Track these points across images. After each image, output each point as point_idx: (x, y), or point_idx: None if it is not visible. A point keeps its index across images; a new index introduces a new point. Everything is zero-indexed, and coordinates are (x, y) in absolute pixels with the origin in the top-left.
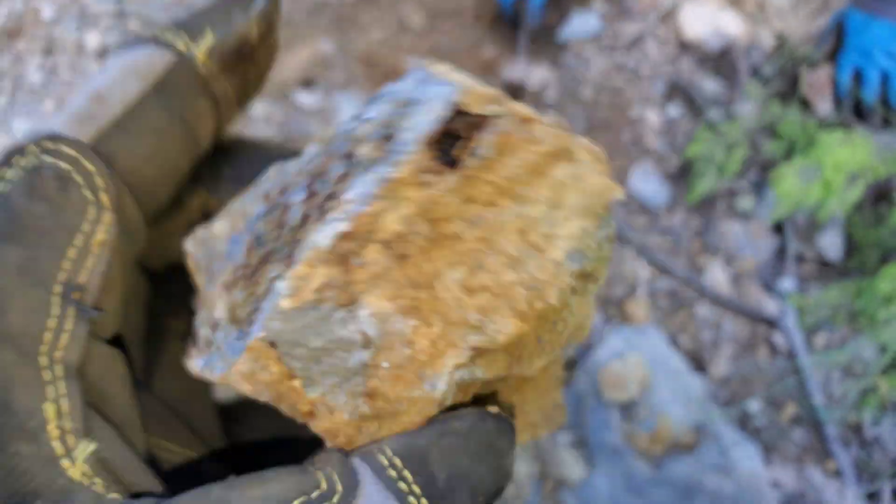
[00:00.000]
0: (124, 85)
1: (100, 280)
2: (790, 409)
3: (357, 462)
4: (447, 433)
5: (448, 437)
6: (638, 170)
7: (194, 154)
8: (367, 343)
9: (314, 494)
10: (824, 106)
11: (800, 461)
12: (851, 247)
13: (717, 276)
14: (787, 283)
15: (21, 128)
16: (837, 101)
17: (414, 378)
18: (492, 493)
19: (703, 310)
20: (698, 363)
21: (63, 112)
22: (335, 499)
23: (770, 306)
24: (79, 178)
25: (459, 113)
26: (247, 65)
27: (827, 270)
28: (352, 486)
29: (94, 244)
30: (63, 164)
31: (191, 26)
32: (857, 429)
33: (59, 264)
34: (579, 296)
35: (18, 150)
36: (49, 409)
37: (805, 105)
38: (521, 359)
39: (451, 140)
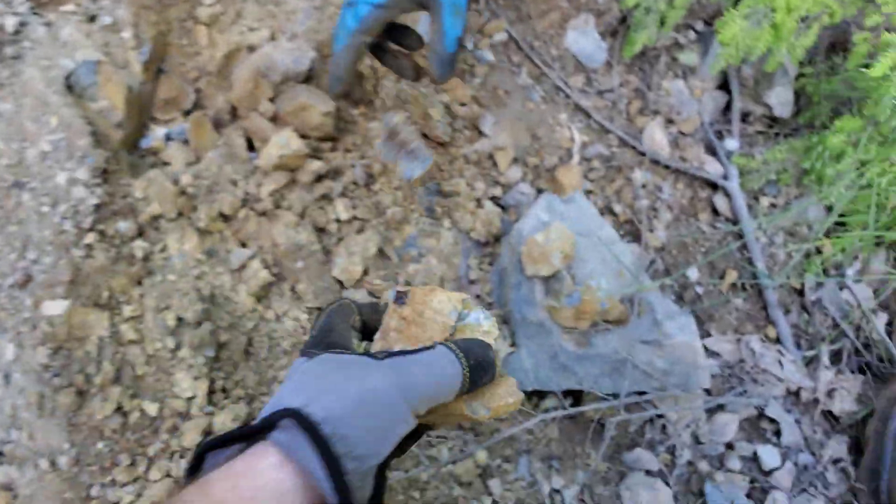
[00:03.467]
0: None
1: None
2: (731, 277)
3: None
4: (471, 342)
5: (472, 342)
6: (574, 25)
7: None
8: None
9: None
10: None
11: (739, 330)
12: (802, 102)
13: (656, 137)
14: (732, 144)
15: None
16: None
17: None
18: (491, 363)
19: (641, 175)
20: (634, 232)
21: None
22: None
23: (713, 168)
24: (352, 306)
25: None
26: None
27: (776, 129)
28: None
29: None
30: (349, 302)
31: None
32: (799, 293)
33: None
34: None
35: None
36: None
37: None
38: None
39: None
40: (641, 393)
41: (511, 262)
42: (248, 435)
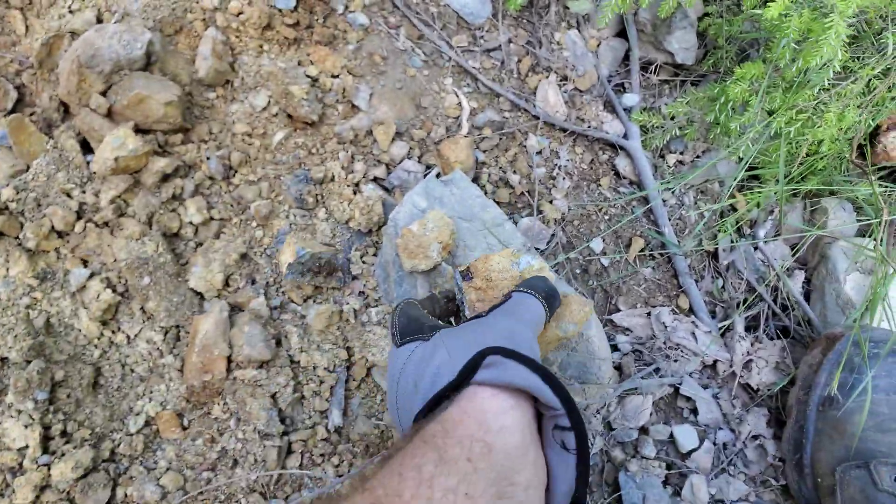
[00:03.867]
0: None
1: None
2: (638, 245)
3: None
4: (532, 280)
5: (534, 280)
6: None
7: None
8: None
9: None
10: None
11: (649, 302)
12: (708, 45)
13: (550, 97)
14: (632, 99)
15: None
16: None
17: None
18: (554, 289)
19: (537, 140)
20: (529, 205)
21: None
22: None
23: (613, 127)
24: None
25: (464, 270)
26: None
27: (681, 76)
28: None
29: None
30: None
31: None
32: (713, 256)
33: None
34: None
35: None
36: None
37: None
38: None
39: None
40: None
41: (391, 255)
42: (454, 388)
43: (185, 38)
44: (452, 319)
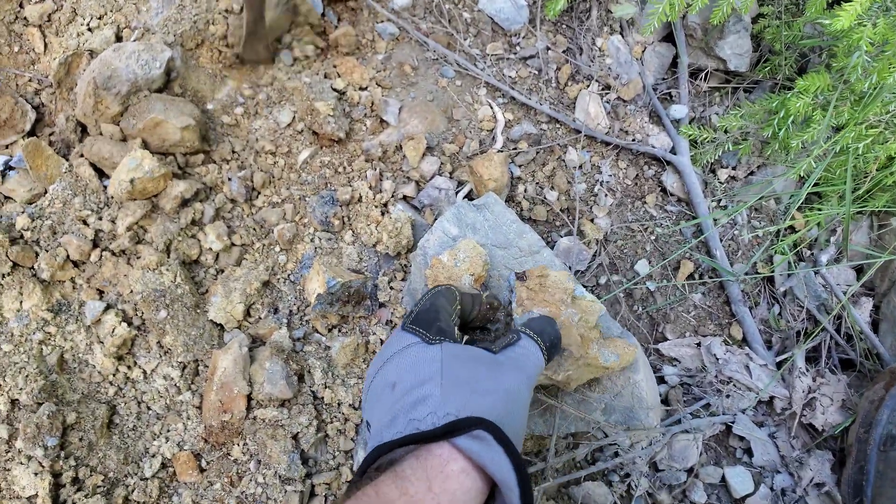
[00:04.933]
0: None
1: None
2: (687, 268)
3: (520, 333)
4: (541, 322)
5: (542, 322)
6: None
7: None
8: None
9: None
10: None
11: (699, 330)
12: (763, 49)
13: (591, 108)
14: (680, 111)
15: None
16: None
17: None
18: (558, 336)
19: (577, 155)
20: (568, 224)
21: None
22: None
23: (659, 141)
24: (455, 293)
25: (520, 273)
26: None
27: (733, 83)
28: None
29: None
30: (454, 288)
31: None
32: (768, 280)
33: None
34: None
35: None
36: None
37: None
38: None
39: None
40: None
41: (420, 284)
42: (426, 439)
43: (208, 52)
44: (477, 332)
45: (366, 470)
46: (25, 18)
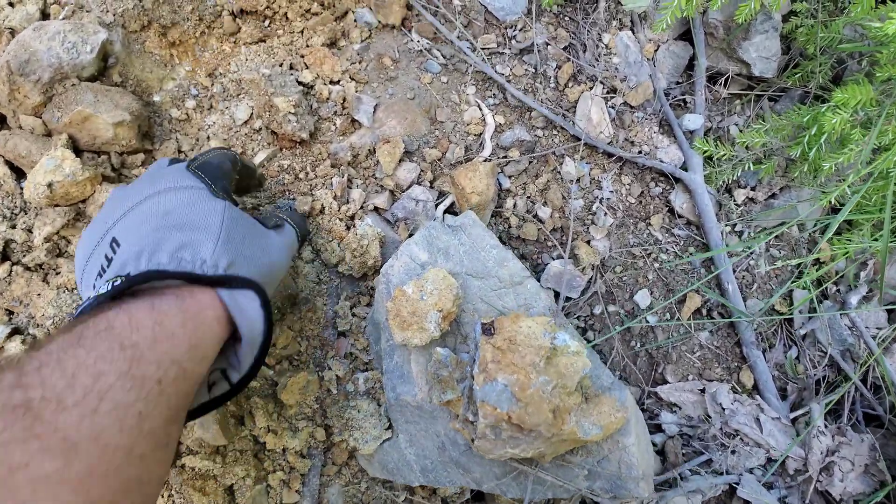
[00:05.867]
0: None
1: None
2: (694, 302)
3: (284, 220)
4: (299, 217)
5: (299, 217)
6: None
7: None
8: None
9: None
10: None
11: (704, 374)
12: (792, 51)
13: (594, 114)
14: (694, 121)
15: None
16: None
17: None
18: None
19: (575, 166)
20: (562, 244)
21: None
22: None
23: (669, 155)
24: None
25: (487, 324)
26: None
27: (757, 90)
28: (282, 224)
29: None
30: (233, 152)
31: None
32: (785, 320)
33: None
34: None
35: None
36: None
37: None
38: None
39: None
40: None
41: (383, 316)
42: (196, 280)
43: (156, 36)
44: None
45: (127, 288)
46: None
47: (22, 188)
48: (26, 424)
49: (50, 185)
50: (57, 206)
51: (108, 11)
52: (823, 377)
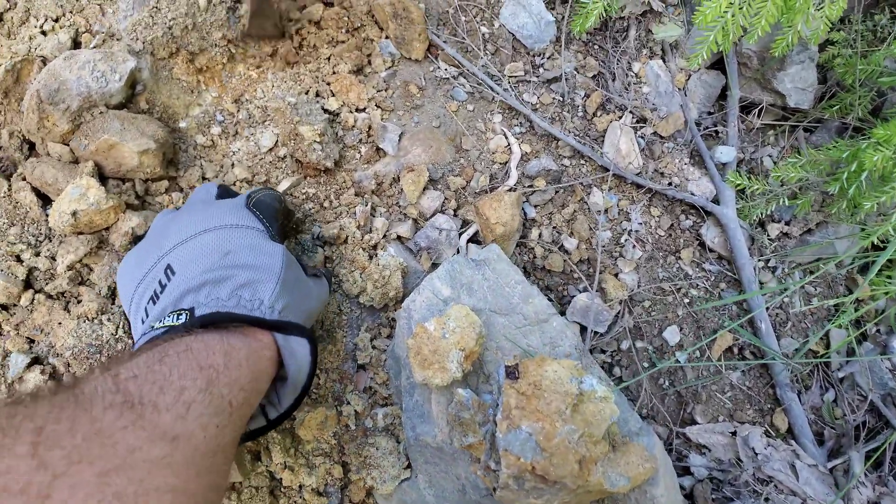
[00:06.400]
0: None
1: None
2: (725, 341)
3: (320, 272)
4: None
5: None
6: None
7: None
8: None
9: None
10: None
11: (736, 416)
12: (830, 81)
13: (623, 144)
14: (727, 154)
15: None
16: None
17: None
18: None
19: (602, 197)
20: (588, 277)
21: None
22: None
23: (700, 187)
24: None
25: (512, 367)
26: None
27: (791, 121)
28: (320, 274)
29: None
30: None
31: None
32: (822, 361)
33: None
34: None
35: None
36: None
37: None
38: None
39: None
40: None
41: (404, 352)
42: (258, 323)
43: (183, 63)
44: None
45: (198, 323)
46: None
47: (47, 215)
48: (133, 418)
49: (74, 214)
50: (80, 234)
51: (137, 39)
52: (863, 423)
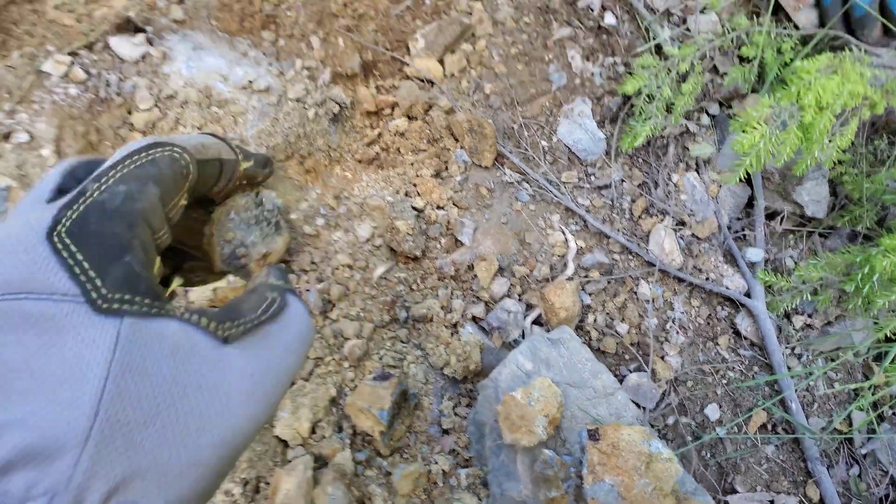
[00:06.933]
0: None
1: (176, 215)
2: (760, 417)
3: (285, 291)
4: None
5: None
6: (567, 112)
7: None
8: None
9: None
10: (805, 17)
11: (772, 486)
12: (840, 195)
13: (665, 243)
14: (755, 254)
15: None
16: (822, 9)
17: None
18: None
19: (649, 288)
20: (637, 358)
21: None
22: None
23: (733, 283)
24: (188, 167)
25: (593, 430)
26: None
27: (809, 227)
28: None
29: (181, 200)
30: (186, 157)
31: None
32: (847, 440)
33: (170, 203)
34: None
35: (159, 144)
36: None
37: (781, 16)
38: None
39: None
40: None
41: (488, 417)
42: None
43: (296, 164)
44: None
45: None
46: (131, 124)
47: (186, 290)
48: None
49: (214, 290)
50: (215, 307)
51: (262, 145)
52: (886, 496)
